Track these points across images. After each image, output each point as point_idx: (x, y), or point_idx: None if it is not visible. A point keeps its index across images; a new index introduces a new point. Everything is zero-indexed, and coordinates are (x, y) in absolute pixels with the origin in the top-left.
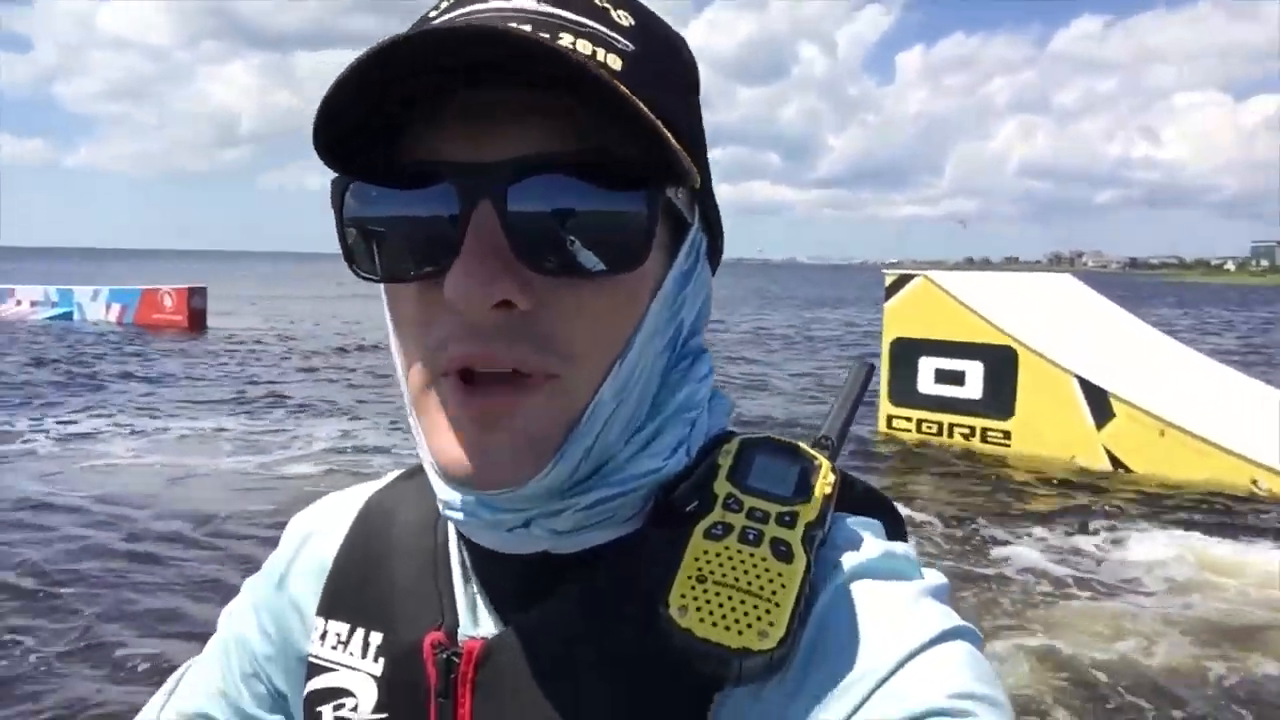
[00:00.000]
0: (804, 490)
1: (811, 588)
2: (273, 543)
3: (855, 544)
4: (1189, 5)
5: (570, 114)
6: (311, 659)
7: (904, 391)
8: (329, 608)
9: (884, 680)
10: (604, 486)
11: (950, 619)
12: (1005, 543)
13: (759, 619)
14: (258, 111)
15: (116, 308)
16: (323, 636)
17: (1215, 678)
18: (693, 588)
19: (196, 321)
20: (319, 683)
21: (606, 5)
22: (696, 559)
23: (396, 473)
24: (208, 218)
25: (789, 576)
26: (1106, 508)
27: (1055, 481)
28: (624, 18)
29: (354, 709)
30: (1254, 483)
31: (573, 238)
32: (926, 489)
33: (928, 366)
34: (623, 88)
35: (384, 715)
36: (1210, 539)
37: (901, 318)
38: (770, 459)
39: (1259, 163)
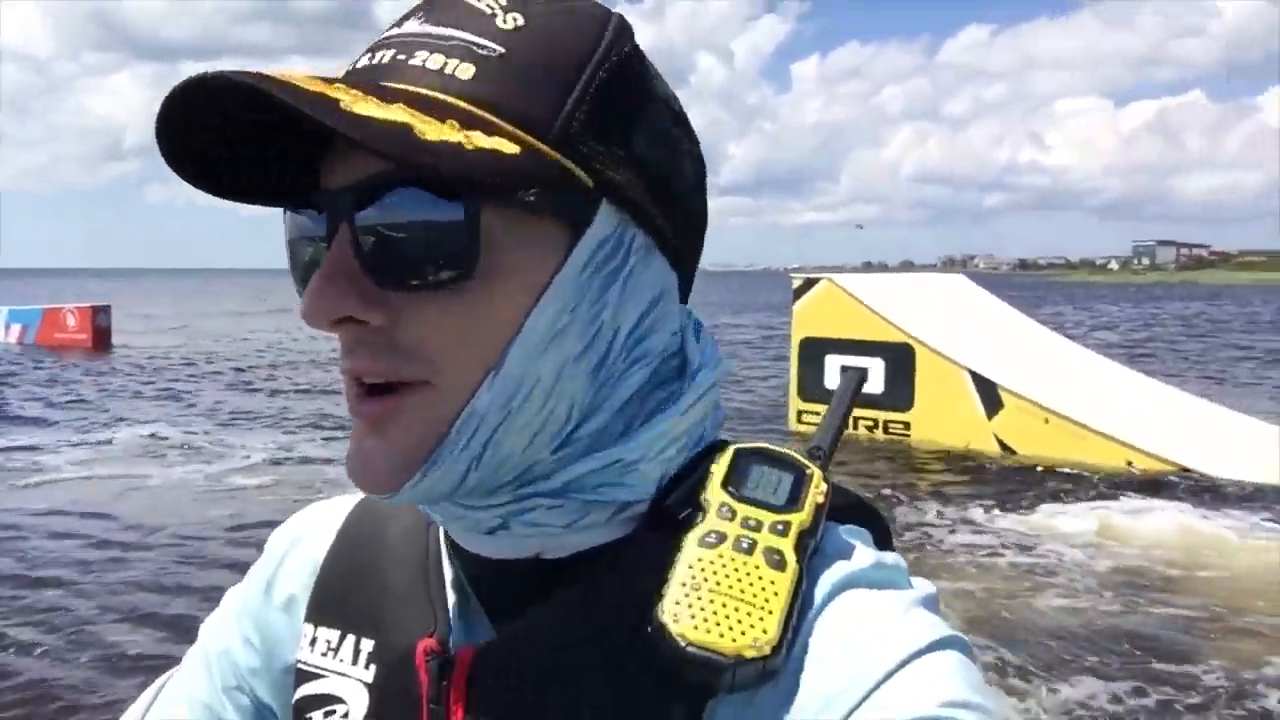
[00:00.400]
0: (796, 499)
1: (804, 596)
2: (238, 544)
3: (847, 553)
4: (1070, 15)
5: None
6: (300, 665)
7: (812, 387)
8: (318, 614)
9: (874, 688)
10: (576, 491)
11: (940, 628)
12: (916, 523)
13: (752, 626)
14: (145, 124)
15: (17, 328)
16: (312, 643)
17: (1121, 621)
18: (686, 595)
19: (101, 340)
20: (308, 689)
21: (498, 11)
22: (690, 566)
23: None
24: (96, 235)
25: (782, 585)
26: (1003, 487)
27: (954, 466)
28: (514, 20)
29: (345, 716)
30: (1129, 464)
31: (411, 252)
32: (838, 478)
33: (834, 364)
34: (338, 112)
35: None
36: (1099, 511)
37: (809, 318)
38: (764, 468)
39: (1138, 165)
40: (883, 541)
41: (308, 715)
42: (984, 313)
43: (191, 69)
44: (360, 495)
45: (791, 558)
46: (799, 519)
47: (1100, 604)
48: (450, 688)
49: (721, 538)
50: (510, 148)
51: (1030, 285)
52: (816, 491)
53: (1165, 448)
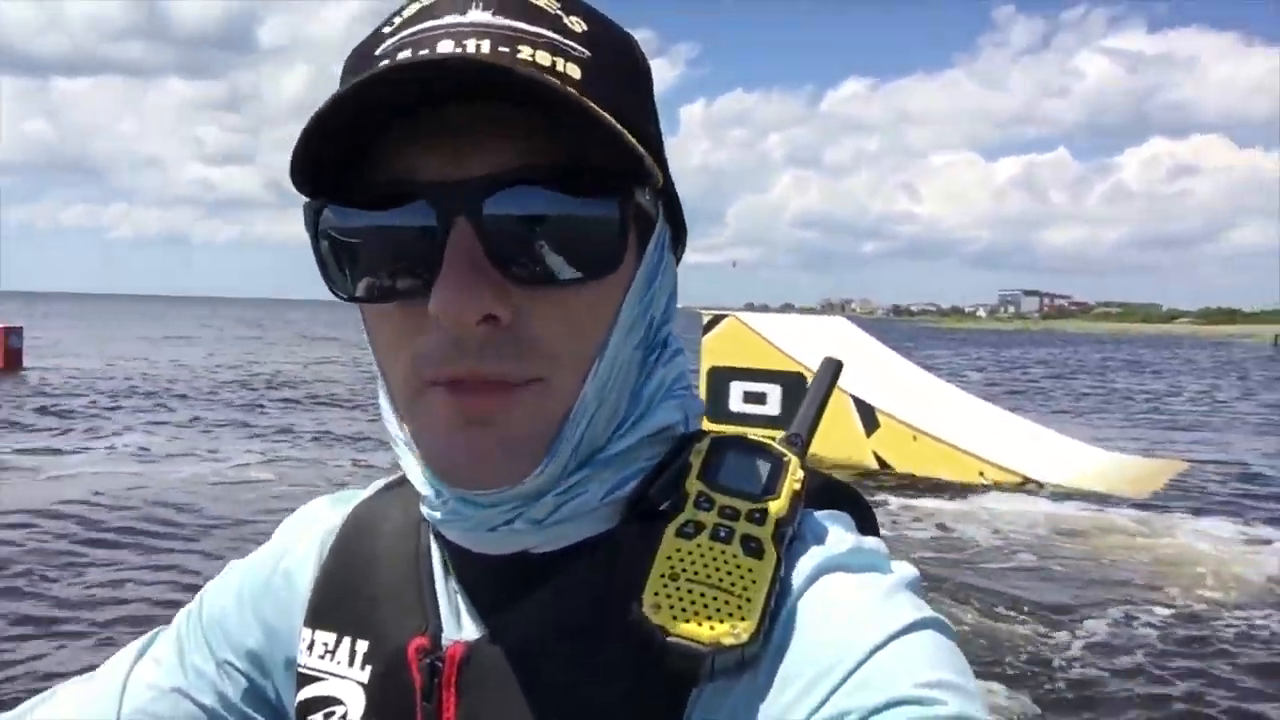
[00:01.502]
0: (774, 487)
1: (782, 583)
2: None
3: (825, 539)
4: (943, 72)
5: (538, 126)
6: (300, 669)
7: (718, 410)
8: (316, 618)
9: (853, 671)
10: (587, 469)
11: (920, 610)
12: None
13: (730, 615)
14: (8, 140)
15: None
16: (310, 647)
17: (1027, 572)
18: (665, 585)
19: (12, 361)
20: (309, 692)
21: (559, 11)
22: (669, 557)
23: (382, 481)
24: None
25: (760, 573)
26: (889, 485)
27: (844, 473)
28: (576, 23)
29: (343, 717)
30: (980, 474)
31: (549, 248)
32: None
33: (737, 389)
34: (587, 101)
35: None
36: (974, 501)
37: (716, 350)
38: (740, 457)
39: (1007, 218)
40: (866, 525)
41: (309, 717)
42: (863, 349)
43: (62, 85)
44: (361, 496)
45: (769, 545)
46: (776, 506)
47: (1006, 562)
48: (442, 685)
49: (699, 527)
50: (639, 147)
51: (905, 330)
52: (793, 479)
53: (1011, 461)
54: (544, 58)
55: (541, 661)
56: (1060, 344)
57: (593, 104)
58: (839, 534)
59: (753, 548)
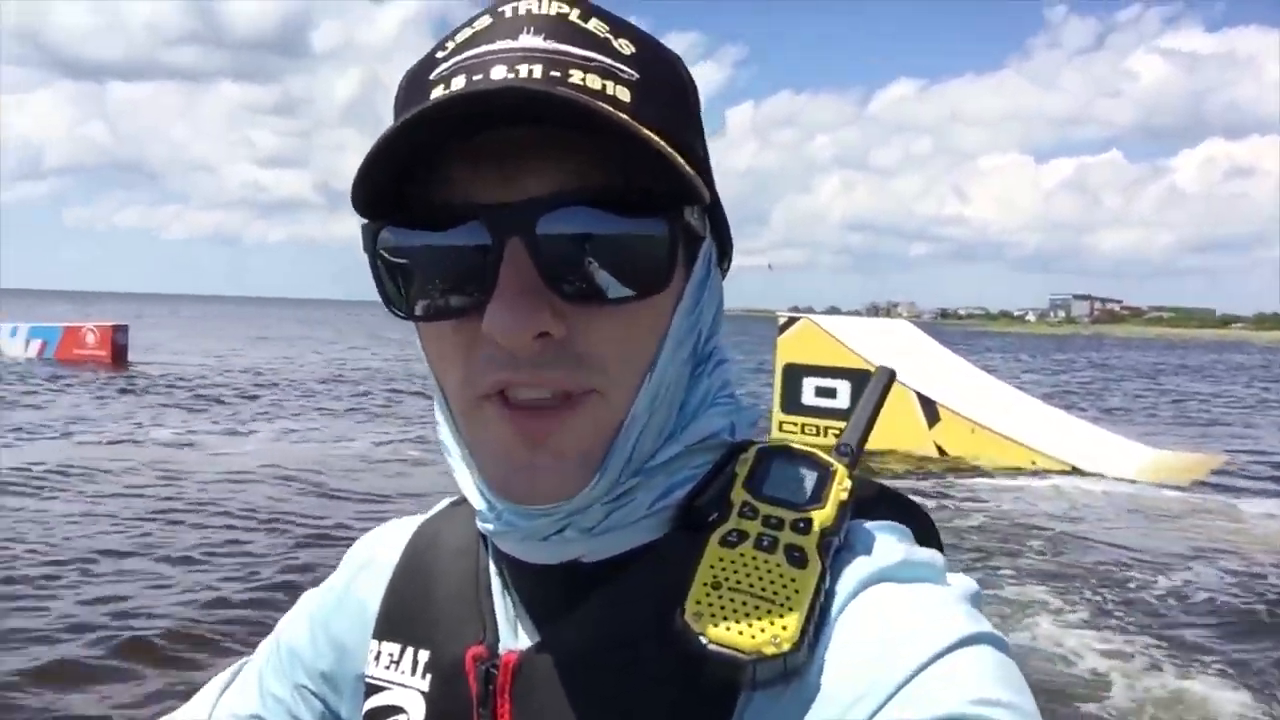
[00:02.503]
0: (820, 497)
1: (827, 594)
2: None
3: (874, 549)
4: (995, 73)
5: (588, 147)
6: (368, 679)
7: (792, 403)
8: (383, 630)
9: (902, 685)
10: (635, 478)
11: (975, 623)
12: (908, 489)
13: (772, 624)
14: (67, 143)
15: (37, 344)
16: (377, 657)
17: (1092, 539)
18: (708, 594)
19: (119, 357)
20: (375, 701)
21: (608, 35)
22: (712, 566)
23: (446, 501)
24: (7, 254)
25: (803, 582)
26: (954, 470)
27: (907, 463)
28: (625, 45)
29: None
30: (1033, 463)
31: (601, 267)
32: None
33: (810, 385)
34: (635, 124)
35: None
36: (1031, 481)
37: (790, 348)
38: (786, 466)
39: (1057, 221)
40: (926, 537)
41: None
42: (925, 350)
43: (118, 89)
44: (427, 515)
45: (814, 555)
46: (821, 516)
47: (1079, 524)
48: (496, 692)
49: (743, 536)
50: (688, 169)
51: (953, 334)
52: (840, 488)
53: (1062, 453)
54: (594, 81)
55: (591, 670)
56: (1110, 348)
57: (642, 127)
58: (889, 545)
59: (796, 557)
